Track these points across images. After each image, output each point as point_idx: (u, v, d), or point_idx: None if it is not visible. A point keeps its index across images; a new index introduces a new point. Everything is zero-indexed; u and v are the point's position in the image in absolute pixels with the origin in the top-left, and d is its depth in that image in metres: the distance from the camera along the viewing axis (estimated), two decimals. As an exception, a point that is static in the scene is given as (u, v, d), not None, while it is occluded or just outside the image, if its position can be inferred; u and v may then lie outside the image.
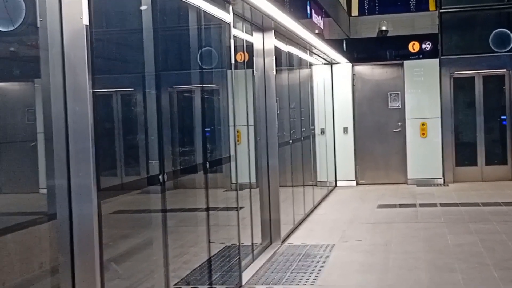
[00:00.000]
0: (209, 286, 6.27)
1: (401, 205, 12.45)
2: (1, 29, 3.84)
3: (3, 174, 4.19)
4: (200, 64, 6.59)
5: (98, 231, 3.98)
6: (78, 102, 3.85)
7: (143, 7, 5.27)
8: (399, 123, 15.56)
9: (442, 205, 12.24)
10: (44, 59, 3.98)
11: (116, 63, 5.42)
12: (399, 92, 15.57)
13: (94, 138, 3.89)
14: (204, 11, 6.44)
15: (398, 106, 15.60)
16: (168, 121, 5.88)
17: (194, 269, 6.05)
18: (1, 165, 4.18)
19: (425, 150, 15.35)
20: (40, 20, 3.83)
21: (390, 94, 15.63)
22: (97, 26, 4.22)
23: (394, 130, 15.58)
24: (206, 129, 6.69)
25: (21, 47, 4.33)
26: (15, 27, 3.80)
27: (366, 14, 16.11)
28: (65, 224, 3.92)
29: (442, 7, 15.44)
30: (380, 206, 12.47)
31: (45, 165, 4.25)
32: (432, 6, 15.69)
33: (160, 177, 5.16)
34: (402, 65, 15.55)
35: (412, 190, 14.57)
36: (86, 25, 3.81)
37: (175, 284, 5.51)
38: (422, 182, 15.24)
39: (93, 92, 3.88)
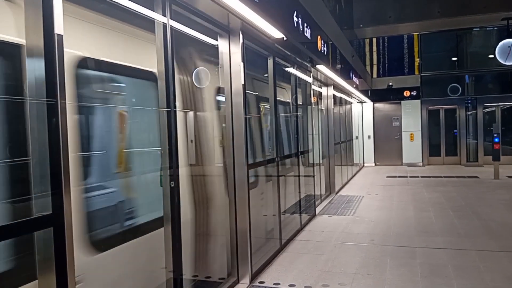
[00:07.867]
0: (299, 213, 6.23)
1: (399, 176, 11.96)
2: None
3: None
4: (294, 103, 6.28)
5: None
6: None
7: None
8: (398, 134, 14.91)
9: (422, 177, 11.68)
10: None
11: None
12: (398, 117, 14.96)
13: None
14: (296, 76, 6.44)
15: (398, 124, 14.99)
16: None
17: (291, 205, 6.00)
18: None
19: (413, 147, 14.69)
20: None
21: (393, 118, 15.06)
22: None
23: (396, 137, 15.00)
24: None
25: None
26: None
27: (381, 76, 15.68)
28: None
29: (422, 72, 14.75)
30: (388, 176, 12.04)
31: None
32: (417, 71, 15.05)
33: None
34: (400, 103, 14.93)
35: (404, 168, 13.93)
36: None
37: (283, 212, 5.41)
38: (411, 164, 14.54)
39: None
